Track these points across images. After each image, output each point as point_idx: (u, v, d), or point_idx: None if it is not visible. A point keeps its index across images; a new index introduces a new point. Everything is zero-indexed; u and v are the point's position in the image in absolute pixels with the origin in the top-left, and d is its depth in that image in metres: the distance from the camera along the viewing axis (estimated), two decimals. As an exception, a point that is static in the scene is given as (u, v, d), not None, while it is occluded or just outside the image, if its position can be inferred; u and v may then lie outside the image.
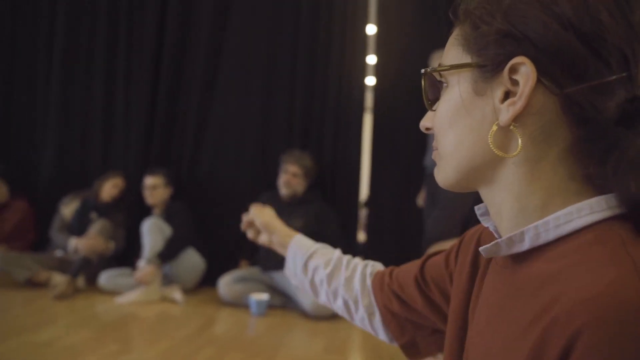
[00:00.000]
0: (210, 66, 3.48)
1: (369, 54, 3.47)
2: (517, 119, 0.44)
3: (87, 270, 3.00)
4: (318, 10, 3.37)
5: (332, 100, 3.33)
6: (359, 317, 0.81)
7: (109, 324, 2.38)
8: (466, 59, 0.47)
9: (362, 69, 3.39)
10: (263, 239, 0.96)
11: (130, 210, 3.38)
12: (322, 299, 0.86)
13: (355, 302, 0.80)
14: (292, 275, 0.90)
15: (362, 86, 3.40)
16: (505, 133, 0.45)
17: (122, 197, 3.36)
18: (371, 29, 3.43)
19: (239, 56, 3.45)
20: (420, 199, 2.91)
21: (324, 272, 0.84)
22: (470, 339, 0.54)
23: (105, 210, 3.25)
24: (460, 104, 0.48)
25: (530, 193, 0.46)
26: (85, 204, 3.30)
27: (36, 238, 3.52)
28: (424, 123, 0.55)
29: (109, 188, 3.30)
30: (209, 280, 3.11)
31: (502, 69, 0.44)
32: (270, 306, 2.71)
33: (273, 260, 2.94)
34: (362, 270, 0.82)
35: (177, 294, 2.85)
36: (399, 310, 0.75)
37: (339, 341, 2.24)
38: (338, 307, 0.84)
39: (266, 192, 3.16)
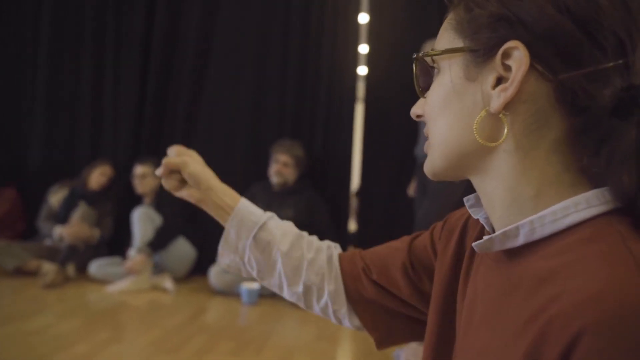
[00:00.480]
0: (200, 55, 3.45)
1: (361, 43, 3.45)
2: (508, 106, 0.42)
3: (76, 258, 2.99)
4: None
5: (324, 90, 3.32)
6: (321, 304, 0.72)
7: (100, 313, 2.38)
8: (458, 43, 0.46)
9: (354, 59, 3.38)
10: (188, 195, 0.75)
11: (119, 199, 3.36)
12: (272, 282, 0.73)
13: (320, 288, 0.71)
14: (230, 249, 0.73)
15: (354, 75, 3.39)
16: (495, 120, 0.44)
17: (111, 185, 3.34)
18: (363, 18, 3.41)
19: (230, 45, 3.42)
20: (411, 189, 2.92)
21: (279, 249, 0.71)
22: (463, 334, 0.52)
23: (94, 198, 3.23)
24: (451, 89, 0.46)
25: (523, 183, 0.44)
26: (73, 192, 3.27)
27: (25, 227, 3.49)
28: (415, 110, 0.54)
29: (97, 176, 3.28)
30: (199, 269, 3.11)
31: (495, 53, 0.43)
32: (261, 295, 2.72)
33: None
34: (328, 252, 0.74)
35: (168, 283, 2.85)
36: (374, 297, 0.70)
37: (330, 329, 2.26)
38: (294, 292, 0.72)
39: (257, 182, 3.16)
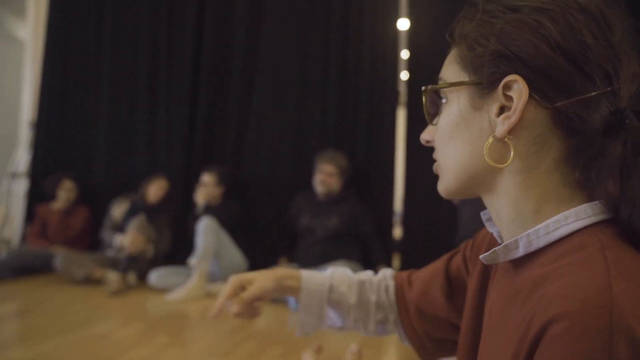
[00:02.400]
0: (246, 72, 3.60)
1: (402, 49, 3.46)
2: (512, 131, 0.48)
3: (136, 266, 3.18)
4: (349, 7, 3.40)
5: (365, 98, 3.36)
6: (388, 332, 0.82)
7: (159, 319, 2.54)
8: (464, 77, 0.51)
9: (395, 65, 3.39)
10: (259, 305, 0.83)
11: (175, 211, 3.55)
12: (350, 327, 0.82)
13: (386, 321, 0.82)
14: (311, 317, 0.81)
15: (396, 82, 3.40)
16: (501, 145, 0.49)
17: (167, 198, 3.54)
18: (403, 24, 3.42)
19: (274, 61, 3.54)
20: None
21: (349, 302, 0.81)
22: (482, 342, 0.57)
23: (152, 211, 3.43)
24: (459, 118, 0.52)
25: (525, 199, 0.49)
26: (135, 205, 3.49)
27: (91, 240, 3.77)
28: (424, 136, 0.59)
29: (155, 190, 3.48)
30: (250, 277, 3.22)
31: (497, 86, 0.48)
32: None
33: (311, 257, 3.02)
34: (384, 284, 0.83)
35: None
36: (419, 321, 0.77)
37: (376, 337, 2.28)
38: (369, 331, 0.82)
39: (303, 192, 3.24)
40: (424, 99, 0.57)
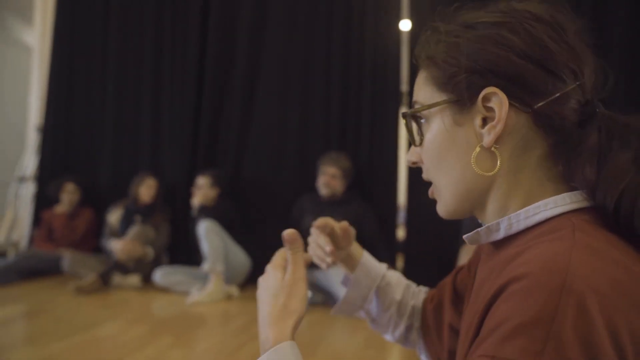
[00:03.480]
0: (249, 75, 3.63)
1: (404, 49, 3.47)
2: (497, 139, 0.51)
3: (141, 269, 3.23)
4: (351, 9, 3.43)
5: (367, 99, 3.38)
6: (411, 342, 0.83)
7: (164, 320, 2.57)
8: (442, 96, 0.54)
9: (397, 66, 3.41)
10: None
11: (177, 212, 3.58)
12: (381, 323, 0.83)
13: (414, 328, 0.83)
14: (357, 295, 0.82)
15: (398, 82, 3.41)
16: (489, 154, 0.52)
17: (159, 195, 3.56)
18: (405, 25, 3.44)
19: (276, 63, 3.57)
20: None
21: (394, 297, 0.82)
22: (461, 323, 0.60)
23: (147, 211, 3.45)
24: (445, 136, 0.54)
25: (514, 197, 0.52)
26: (128, 209, 3.52)
27: (96, 243, 3.80)
28: (410, 158, 0.61)
29: (146, 190, 3.50)
30: (254, 278, 3.24)
31: (476, 100, 0.51)
32: (311, 303, 2.80)
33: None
34: (420, 296, 0.85)
35: (235, 291, 3.04)
36: (436, 333, 0.78)
37: (378, 337, 2.28)
38: (396, 334, 0.83)
39: (306, 194, 3.26)
40: (405, 122, 0.59)
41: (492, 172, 0.51)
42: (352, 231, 0.81)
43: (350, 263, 0.82)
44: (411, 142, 0.60)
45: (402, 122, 0.63)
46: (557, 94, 0.49)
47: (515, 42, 0.49)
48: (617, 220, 0.45)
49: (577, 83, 0.50)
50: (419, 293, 0.85)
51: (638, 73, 2.86)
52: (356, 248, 0.83)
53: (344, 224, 0.80)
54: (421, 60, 0.57)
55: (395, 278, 0.84)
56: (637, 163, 0.46)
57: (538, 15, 0.51)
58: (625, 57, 2.88)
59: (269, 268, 0.68)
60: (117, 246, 3.22)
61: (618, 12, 2.90)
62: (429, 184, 0.61)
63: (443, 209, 0.58)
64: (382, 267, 0.84)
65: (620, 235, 0.45)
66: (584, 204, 0.48)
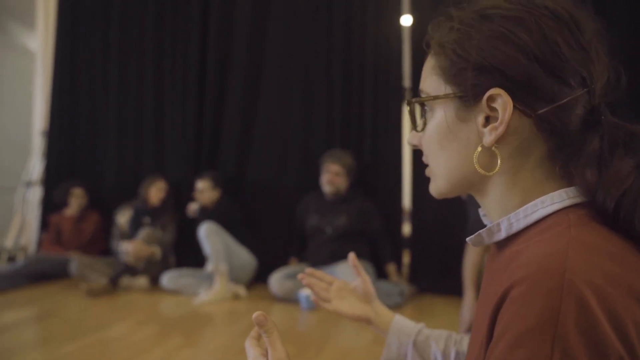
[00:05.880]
0: (251, 74, 3.63)
1: (406, 45, 3.46)
2: (499, 140, 0.51)
3: (149, 271, 3.25)
4: (352, 4, 3.42)
5: (370, 95, 3.38)
6: None
7: (172, 320, 2.59)
8: (447, 89, 0.54)
9: (399, 61, 3.40)
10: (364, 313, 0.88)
11: (182, 213, 3.59)
12: None
13: None
14: (392, 355, 0.84)
15: (400, 78, 3.41)
16: (489, 152, 0.52)
17: (168, 198, 3.58)
18: (406, 20, 3.42)
19: (278, 61, 3.57)
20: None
21: (438, 347, 0.82)
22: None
23: (156, 213, 3.48)
24: (447, 129, 0.55)
25: (512, 195, 0.53)
26: (137, 210, 3.54)
27: (104, 246, 3.84)
28: (411, 141, 0.62)
29: (155, 192, 3.53)
30: (260, 277, 3.26)
31: (481, 98, 0.51)
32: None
33: (320, 257, 3.05)
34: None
35: (241, 290, 3.05)
36: None
37: (386, 333, 2.30)
38: None
39: (310, 192, 3.27)
40: (408, 109, 0.60)
41: (492, 172, 0.52)
42: (372, 289, 0.88)
43: (381, 325, 0.87)
44: (413, 127, 0.60)
45: (405, 108, 0.62)
46: (563, 101, 0.49)
47: (528, 42, 0.48)
48: (617, 221, 0.45)
49: (585, 89, 0.49)
50: (462, 340, 0.85)
51: (638, 73, 2.83)
52: (383, 309, 0.88)
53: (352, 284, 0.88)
54: (432, 42, 0.56)
55: (437, 332, 0.85)
56: None
57: (554, 12, 0.49)
58: (625, 57, 2.84)
59: (247, 346, 0.65)
60: (128, 248, 3.25)
61: (618, 12, 2.88)
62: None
63: (435, 190, 0.60)
64: (418, 325, 0.86)
65: (616, 229, 0.45)
66: (578, 199, 0.49)
